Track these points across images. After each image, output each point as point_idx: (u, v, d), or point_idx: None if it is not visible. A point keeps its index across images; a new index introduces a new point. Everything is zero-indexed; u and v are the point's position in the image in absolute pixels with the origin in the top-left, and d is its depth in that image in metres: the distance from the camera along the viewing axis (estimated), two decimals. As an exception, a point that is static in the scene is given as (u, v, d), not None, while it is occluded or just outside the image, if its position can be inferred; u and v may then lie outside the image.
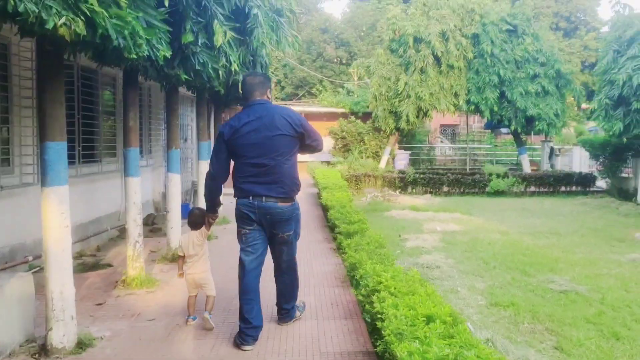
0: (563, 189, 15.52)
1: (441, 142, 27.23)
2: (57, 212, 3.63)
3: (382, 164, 18.43)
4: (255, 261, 3.98)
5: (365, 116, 21.21)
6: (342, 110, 22.81)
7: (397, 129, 17.96)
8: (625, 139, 12.92)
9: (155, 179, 10.48)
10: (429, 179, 15.43)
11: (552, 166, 19.23)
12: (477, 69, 17.28)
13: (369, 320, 3.99)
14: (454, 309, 3.22)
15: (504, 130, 29.84)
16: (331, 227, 8.14)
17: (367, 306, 3.97)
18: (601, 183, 16.12)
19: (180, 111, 10.72)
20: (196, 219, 4.36)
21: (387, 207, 12.12)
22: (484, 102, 17.25)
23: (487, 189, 15.09)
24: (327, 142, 20.69)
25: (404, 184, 15.39)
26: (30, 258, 5.82)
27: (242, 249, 4.02)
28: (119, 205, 8.44)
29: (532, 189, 15.38)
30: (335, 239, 7.44)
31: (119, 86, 8.26)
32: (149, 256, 6.84)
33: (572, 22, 34.59)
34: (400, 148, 21.30)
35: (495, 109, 17.27)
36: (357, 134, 21.02)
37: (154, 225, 9.48)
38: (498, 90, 17.21)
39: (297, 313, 4.41)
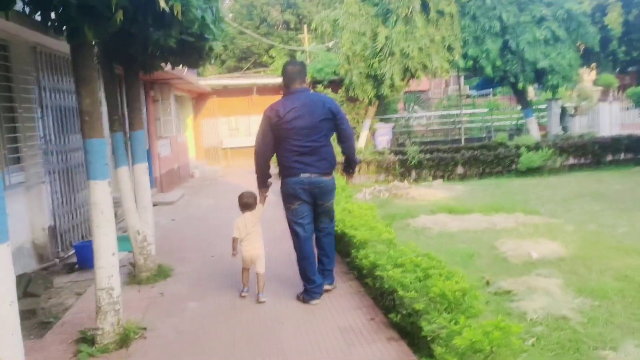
0: (609, 158, 12.03)
1: (415, 111, 23.50)
2: None
3: (362, 142, 14.42)
4: (307, 230, 4.39)
5: (332, 84, 16.86)
6: (303, 79, 18.45)
7: (378, 96, 14.01)
8: None
9: (32, 206, 6.09)
10: (438, 160, 11.53)
11: (564, 129, 15.85)
12: (474, 14, 13.74)
13: None
14: None
15: (472, 92, 26.50)
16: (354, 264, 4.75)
17: None
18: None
19: (61, 85, 6.39)
20: (248, 201, 4.51)
21: (406, 209, 8.16)
22: (484, 55, 13.88)
23: (517, 167, 11.38)
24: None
25: (405, 169, 11.46)
26: None
27: (294, 222, 4.38)
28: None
29: (571, 161, 11.82)
30: (385, 307, 3.54)
31: None
32: None
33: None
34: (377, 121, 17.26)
35: (498, 63, 13.86)
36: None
37: (31, 297, 5.12)
38: (501, 40, 13.73)
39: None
